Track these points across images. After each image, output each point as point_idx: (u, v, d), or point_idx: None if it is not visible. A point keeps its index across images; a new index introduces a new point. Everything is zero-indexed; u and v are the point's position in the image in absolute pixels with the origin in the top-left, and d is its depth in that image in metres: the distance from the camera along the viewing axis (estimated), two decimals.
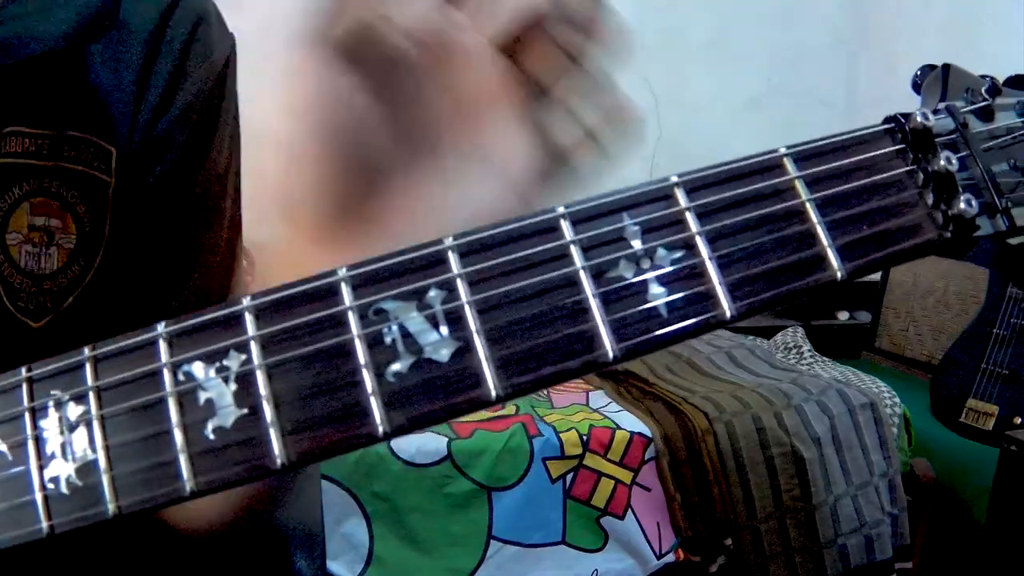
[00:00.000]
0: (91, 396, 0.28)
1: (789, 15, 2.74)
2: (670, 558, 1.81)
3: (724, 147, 3.02)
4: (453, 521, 1.74)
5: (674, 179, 0.29)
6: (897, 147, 0.30)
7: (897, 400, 2.01)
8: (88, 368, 0.28)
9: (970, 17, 2.31)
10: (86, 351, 0.28)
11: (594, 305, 0.28)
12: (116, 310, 0.51)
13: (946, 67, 0.33)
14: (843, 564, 1.85)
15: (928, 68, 0.35)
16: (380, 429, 0.27)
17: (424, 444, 1.72)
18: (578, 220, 0.29)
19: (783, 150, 0.30)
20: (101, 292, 0.51)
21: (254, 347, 0.28)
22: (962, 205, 0.29)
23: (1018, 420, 1.94)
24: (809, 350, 2.42)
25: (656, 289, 0.28)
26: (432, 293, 0.28)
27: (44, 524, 0.28)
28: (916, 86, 0.36)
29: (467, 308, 0.28)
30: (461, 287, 0.28)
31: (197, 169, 0.55)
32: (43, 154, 0.48)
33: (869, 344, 2.68)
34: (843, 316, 2.80)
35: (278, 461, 0.27)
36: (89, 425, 0.28)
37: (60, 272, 0.49)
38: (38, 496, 0.28)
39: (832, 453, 1.87)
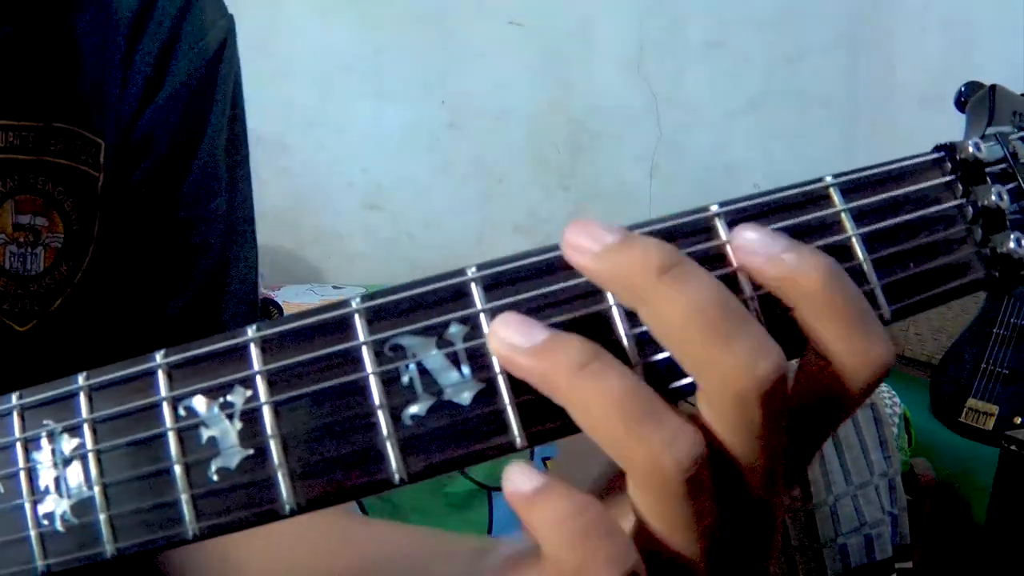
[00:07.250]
0: (86, 428, 0.26)
1: (789, 15, 2.73)
2: None
3: (724, 147, 2.98)
4: (453, 521, 1.74)
5: (714, 208, 0.28)
6: (947, 179, 0.29)
7: (897, 400, 2.01)
8: (82, 398, 0.26)
9: (970, 17, 2.30)
10: (79, 380, 0.27)
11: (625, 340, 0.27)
12: (105, 313, 0.48)
13: (992, 88, 0.32)
14: (843, 563, 1.85)
15: (972, 86, 0.34)
16: (397, 476, 0.25)
17: None
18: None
19: (829, 179, 0.28)
20: (90, 294, 0.47)
21: (260, 382, 0.26)
22: (1011, 244, 0.28)
23: (1018, 420, 1.93)
24: None
25: None
26: (453, 329, 0.26)
27: (40, 563, 0.26)
28: (960, 104, 0.34)
29: None
30: (485, 323, 0.26)
31: (184, 169, 0.50)
32: (28, 147, 0.44)
33: None
34: None
35: (287, 507, 0.25)
36: (84, 460, 0.26)
37: (46, 273, 0.45)
38: (32, 533, 0.26)
39: (832, 453, 1.87)
